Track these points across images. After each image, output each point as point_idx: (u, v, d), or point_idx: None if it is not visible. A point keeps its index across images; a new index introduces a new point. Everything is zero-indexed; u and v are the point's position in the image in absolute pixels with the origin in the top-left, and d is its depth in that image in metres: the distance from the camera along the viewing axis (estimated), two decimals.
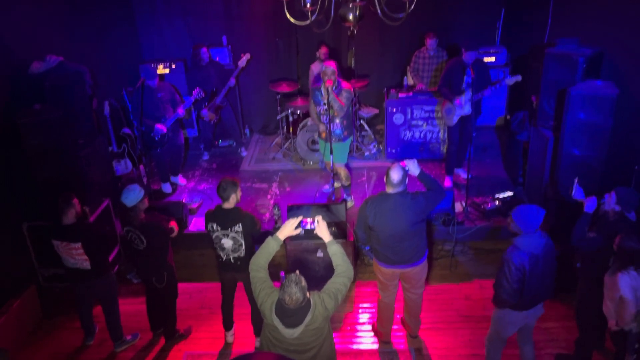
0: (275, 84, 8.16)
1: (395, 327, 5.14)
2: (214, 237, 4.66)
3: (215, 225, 4.60)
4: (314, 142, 7.73)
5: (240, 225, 4.54)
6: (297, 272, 3.42)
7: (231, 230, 4.56)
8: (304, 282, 3.34)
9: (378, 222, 4.42)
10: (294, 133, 7.92)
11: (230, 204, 4.57)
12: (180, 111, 6.89)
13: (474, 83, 6.22)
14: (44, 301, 5.74)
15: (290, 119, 7.96)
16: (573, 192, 4.51)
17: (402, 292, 4.88)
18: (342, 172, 6.63)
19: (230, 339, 5.21)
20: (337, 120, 6.27)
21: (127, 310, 5.39)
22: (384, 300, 4.89)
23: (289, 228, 3.77)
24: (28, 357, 5.23)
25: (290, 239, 4.32)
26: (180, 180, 7.64)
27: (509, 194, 6.61)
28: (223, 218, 4.57)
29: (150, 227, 4.72)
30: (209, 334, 5.34)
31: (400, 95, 7.62)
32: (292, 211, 5.55)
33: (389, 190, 4.38)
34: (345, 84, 6.18)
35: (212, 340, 5.26)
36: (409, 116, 7.64)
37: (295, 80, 8.61)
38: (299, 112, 7.98)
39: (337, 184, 7.06)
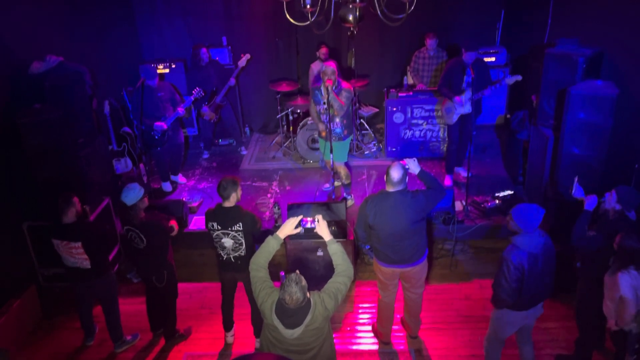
0: (275, 84, 8.16)
1: (395, 327, 5.14)
2: (214, 236, 4.66)
3: (215, 224, 4.60)
4: (314, 140, 7.73)
5: (241, 224, 4.54)
6: (297, 271, 3.42)
7: (231, 229, 4.56)
8: (304, 282, 3.33)
9: (378, 221, 4.42)
10: (294, 132, 7.92)
11: (230, 202, 4.58)
12: (181, 110, 6.89)
13: (474, 83, 6.22)
14: (44, 301, 5.74)
15: (290, 118, 7.96)
16: (573, 191, 4.52)
17: (402, 291, 4.88)
18: (342, 170, 6.64)
19: (230, 339, 5.21)
20: (337, 120, 6.28)
21: (127, 310, 5.39)
22: (384, 300, 4.89)
23: (289, 227, 3.76)
24: (28, 357, 5.24)
25: (290, 238, 4.31)
26: (180, 179, 7.64)
27: (509, 192, 6.61)
28: (223, 217, 4.57)
29: (150, 226, 4.72)
30: (209, 335, 5.34)
31: (400, 94, 7.63)
32: (292, 210, 5.56)
33: (389, 188, 4.39)
34: (345, 84, 6.19)
35: (212, 340, 5.26)
36: (409, 115, 7.64)
37: (295, 80, 8.62)
38: (299, 111, 7.98)
39: (337, 183, 7.06)
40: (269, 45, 8.74)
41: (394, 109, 7.63)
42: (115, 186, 6.61)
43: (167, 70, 8.39)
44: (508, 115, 8.31)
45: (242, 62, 7.80)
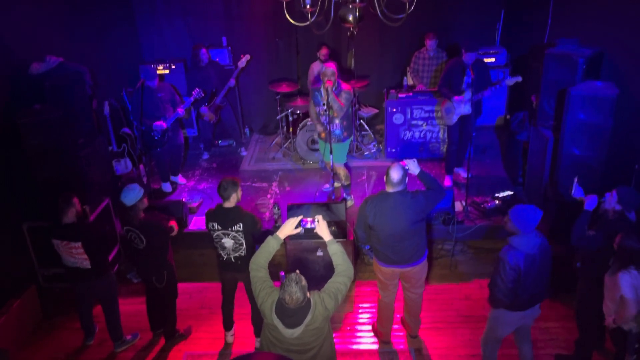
0: (275, 84, 8.16)
1: (395, 327, 5.14)
2: (214, 236, 4.66)
3: (215, 225, 4.60)
4: (313, 141, 7.74)
5: (241, 224, 4.54)
6: (297, 271, 3.42)
7: (232, 229, 4.56)
8: (304, 282, 3.33)
9: (378, 221, 4.42)
10: (294, 133, 7.93)
11: (230, 203, 4.58)
12: (180, 111, 6.90)
13: (473, 83, 6.22)
14: (44, 301, 5.73)
15: (290, 118, 7.96)
16: (573, 191, 4.52)
17: (402, 291, 4.88)
18: (342, 171, 6.64)
19: (230, 339, 5.21)
20: (337, 121, 6.28)
21: (127, 310, 5.39)
22: (384, 300, 4.89)
23: (289, 227, 3.76)
24: (28, 357, 5.23)
25: (290, 238, 4.31)
26: (180, 179, 7.64)
27: (509, 193, 6.61)
28: (223, 217, 4.57)
29: (149, 226, 4.72)
30: (209, 334, 5.34)
31: (400, 95, 7.63)
32: (292, 210, 5.56)
33: (389, 189, 4.39)
34: (345, 85, 6.19)
35: (212, 340, 5.26)
36: (409, 116, 7.64)
37: (295, 81, 8.62)
38: (298, 112, 7.99)
39: (337, 184, 7.06)
40: (269, 45, 8.74)
41: (394, 109, 7.63)
42: (115, 187, 6.61)
43: (167, 71, 8.39)
44: (508, 116, 8.31)
45: (242, 62, 7.80)
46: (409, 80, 8.24)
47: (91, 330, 5.34)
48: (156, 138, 6.84)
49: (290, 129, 8.05)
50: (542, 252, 3.95)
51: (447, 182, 7.09)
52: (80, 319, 5.26)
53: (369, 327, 5.30)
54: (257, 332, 5.02)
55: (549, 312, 5.27)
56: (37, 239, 5.65)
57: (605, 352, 4.74)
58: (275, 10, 8.30)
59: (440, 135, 7.70)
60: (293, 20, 4.57)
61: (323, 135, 6.49)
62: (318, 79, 6.96)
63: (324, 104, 6.09)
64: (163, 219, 4.88)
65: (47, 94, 5.67)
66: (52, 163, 5.56)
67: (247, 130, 9.22)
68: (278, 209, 6.43)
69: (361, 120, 8.24)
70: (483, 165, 7.63)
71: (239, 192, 4.63)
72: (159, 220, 4.82)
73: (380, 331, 5.10)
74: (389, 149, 7.92)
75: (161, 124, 6.77)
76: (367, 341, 5.16)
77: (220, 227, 4.59)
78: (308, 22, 4.43)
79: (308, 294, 3.39)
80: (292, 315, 3.34)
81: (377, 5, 4.32)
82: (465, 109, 6.49)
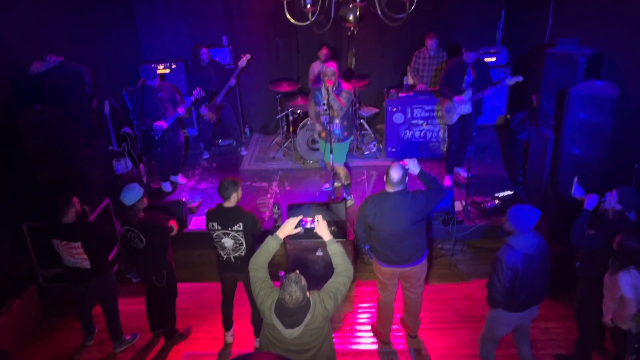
0: (275, 84, 8.17)
1: (394, 327, 5.14)
2: (214, 236, 4.66)
3: (215, 225, 4.60)
4: (313, 141, 7.74)
5: (241, 224, 4.54)
6: (297, 271, 3.42)
7: (232, 229, 4.56)
8: (303, 282, 3.33)
9: (378, 221, 4.42)
10: (294, 132, 7.92)
11: (231, 203, 4.58)
12: (181, 110, 6.90)
13: (474, 83, 6.22)
14: (44, 301, 5.73)
15: (290, 118, 7.96)
16: (573, 191, 4.52)
17: (401, 291, 4.88)
18: (342, 171, 6.64)
19: (229, 339, 5.21)
20: (337, 121, 6.28)
21: (127, 310, 5.39)
22: (384, 300, 4.89)
23: (288, 227, 3.76)
24: (28, 357, 5.23)
25: (290, 238, 4.31)
26: (180, 179, 7.64)
27: (509, 192, 6.61)
28: (224, 217, 4.57)
29: (149, 226, 4.72)
30: (209, 334, 5.34)
31: (401, 94, 7.63)
32: (292, 210, 5.56)
33: (389, 189, 4.39)
34: (345, 85, 6.19)
35: (212, 340, 5.26)
36: (409, 115, 7.64)
37: (296, 80, 8.62)
38: (299, 111, 7.98)
39: (337, 183, 7.06)
40: (269, 45, 8.75)
41: (394, 109, 7.63)
42: (115, 186, 6.61)
43: (167, 71, 8.40)
44: (508, 116, 8.31)
45: (242, 62, 7.81)
46: (409, 79, 8.24)
47: (91, 330, 5.34)
48: (156, 138, 6.85)
49: (291, 129, 8.05)
50: (539, 252, 3.95)
51: (447, 181, 7.09)
52: (80, 319, 5.27)
53: (369, 327, 5.30)
54: (257, 332, 5.03)
55: (549, 312, 5.27)
56: (37, 239, 5.65)
57: (605, 352, 4.74)
58: (275, 9, 8.29)
59: (441, 134, 7.70)
60: (293, 19, 4.57)
61: (323, 134, 6.49)
62: (318, 79, 6.95)
63: (324, 104, 6.10)
64: (163, 218, 4.88)
65: (47, 94, 5.67)
66: (52, 163, 5.56)
67: (247, 130, 9.22)
68: (278, 209, 6.44)
69: (361, 120, 8.24)
70: (483, 164, 7.63)
71: (239, 192, 4.63)
72: (159, 220, 4.83)
73: (379, 331, 5.10)
74: (389, 149, 7.92)
75: (162, 124, 6.77)
76: (366, 341, 5.16)
77: (220, 227, 4.59)
78: (308, 22, 4.43)
79: (308, 294, 3.39)
80: (291, 315, 3.33)
81: (377, 4, 4.32)
82: (465, 108, 6.49)
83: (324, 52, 7.88)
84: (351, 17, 4.70)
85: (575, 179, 4.56)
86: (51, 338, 5.45)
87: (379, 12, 4.34)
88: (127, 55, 8.34)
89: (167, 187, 7.39)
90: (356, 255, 5.99)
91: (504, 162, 7.67)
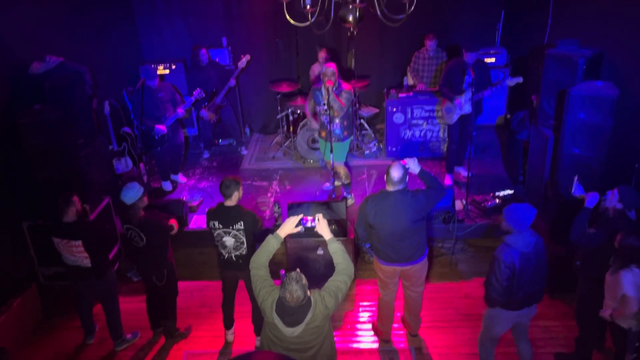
0: (275, 84, 8.17)
1: (395, 325, 5.15)
2: (215, 234, 4.66)
3: (216, 223, 4.60)
4: (314, 140, 7.74)
5: (242, 223, 4.55)
6: (298, 270, 3.42)
7: (233, 228, 4.57)
8: (304, 280, 3.34)
9: (378, 220, 4.42)
10: (294, 132, 7.93)
11: (232, 201, 4.59)
12: (180, 111, 6.91)
13: (474, 83, 6.23)
14: (45, 300, 5.74)
15: (291, 118, 7.97)
16: (573, 190, 4.53)
17: (402, 290, 4.89)
18: (342, 170, 6.64)
19: (230, 337, 5.21)
20: (337, 121, 6.29)
21: (127, 308, 5.39)
22: (384, 299, 4.90)
23: (289, 226, 3.77)
24: (28, 357, 5.24)
25: (290, 236, 4.31)
26: (181, 178, 7.65)
27: (509, 191, 6.62)
28: (225, 216, 4.58)
29: (149, 225, 4.73)
30: (209, 333, 5.34)
31: (401, 95, 7.64)
32: (292, 209, 5.57)
33: (390, 188, 4.39)
34: (345, 85, 6.20)
35: (213, 339, 5.27)
36: (409, 115, 7.65)
37: (295, 80, 8.62)
38: (299, 111, 7.99)
39: (337, 183, 7.07)
40: (269, 45, 8.75)
41: (394, 109, 7.64)
42: (116, 186, 6.60)
43: (167, 71, 8.41)
44: (508, 116, 8.32)
45: (242, 63, 7.81)
46: (409, 80, 8.25)
47: (91, 329, 5.34)
48: (156, 137, 6.85)
49: (291, 129, 8.05)
50: (537, 250, 3.96)
51: (448, 180, 7.10)
52: (80, 318, 5.27)
53: (369, 326, 5.31)
54: (258, 331, 5.03)
55: (549, 310, 5.28)
56: (37, 238, 5.65)
57: (605, 350, 4.75)
58: (275, 10, 8.30)
59: (441, 134, 7.71)
60: (293, 20, 4.58)
61: (323, 134, 6.50)
62: (319, 79, 6.97)
63: (324, 104, 6.11)
64: (163, 217, 4.89)
65: (47, 94, 5.67)
66: (52, 163, 5.56)
67: (247, 130, 9.23)
68: (278, 208, 6.44)
69: (361, 120, 8.25)
70: (483, 164, 7.64)
71: (240, 191, 4.64)
72: (159, 218, 4.83)
73: (380, 330, 5.10)
74: (389, 148, 7.93)
75: (162, 129, 6.78)
76: (367, 340, 5.17)
77: (221, 226, 4.59)
78: (308, 23, 4.44)
79: (308, 293, 3.39)
80: (292, 313, 3.34)
81: (377, 5, 4.32)
82: (465, 108, 6.50)
83: (322, 54, 7.88)
84: (351, 18, 4.70)
85: (576, 178, 4.57)
86: (51, 338, 5.45)
87: (379, 13, 4.35)
88: (127, 55, 8.34)
89: (167, 186, 7.40)
90: (357, 254, 6.00)
91: (504, 161, 7.68)
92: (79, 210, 4.76)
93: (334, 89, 6.00)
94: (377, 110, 8.38)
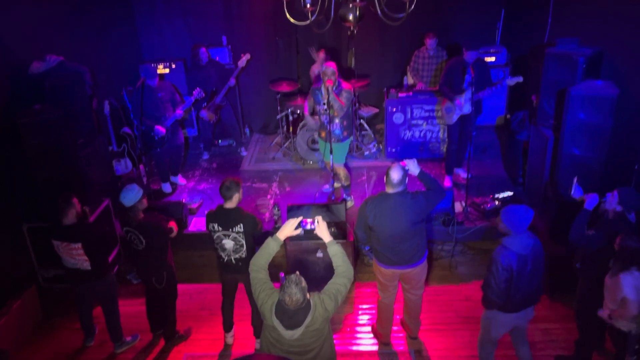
0: (275, 84, 8.16)
1: (395, 328, 5.14)
2: (215, 237, 4.65)
3: (216, 226, 4.59)
4: (313, 141, 7.73)
5: (242, 225, 4.54)
6: (297, 272, 3.41)
7: (232, 230, 4.56)
8: (304, 283, 3.33)
9: (378, 222, 4.41)
10: (294, 132, 7.92)
11: (232, 203, 4.57)
12: (179, 112, 6.89)
13: (474, 82, 6.21)
14: (44, 302, 5.73)
15: (290, 118, 7.95)
16: (572, 191, 4.52)
17: (401, 293, 4.88)
18: (342, 172, 6.63)
19: (230, 340, 5.21)
20: (337, 120, 6.27)
21: (127, 311, 5.38)
22: (384, 301, 4.89)
23: (289, 228, 3.76)
24: (28, 358, 5.23)
25: (290, 239, 4.32)
26: (180, 180, 7.64)
27: (509, 193, 6.60)
28: (224, 218, 4.57)
29: (149, 227, 4.72)
30: (209, 335, 5.33)
31: (400, 94, 7.63)
32: (292, 211, 5.55)
33: (389, 190, 4.38)
34: (345, 84, 6.19)
35: (212, 341, 5.26)
36: (409, 115, 7.64)
37: (295, 80, 8.61)
38: (298, 111, 7.97)
39: (337, 184, 7.06)
40: (269, 44, 8.74)
41: (394, 109, 7.62)
42: (115, 187, 6.61)
43: (167, 71, 8.40)
44: (508, 116, 8.31)
45: (242, 62, 7.79)
46: (409, 79, 8.24)
47: (91, 331, 5.34)
48: (156, 138, 6.84)
49: (291, 129, 8.04)
50: (534, 253, 3.96)
51: (447, 182, 7.09)
52: (80, 320, 5.27)
53: (369, 329, 5.30)
54: (257, 334, 5.02)
55: (549, 312, 5.27)
56: (37, 240, 5.65)
57: (605, 352, 4.73)
58: (275, 9, 8.29)
59: (441, 134, 7.70)
60: (293, 19, 4.57)
61: (323, 134, 6.49)
62: (319, 79, 6.96)
63: (324, 103, 6.09)
64: (162, 219, 4.88)
65: (47, 94, 5.68)
66: (52, 163, 5.57)
67: (247, 130, 9.22)
68: (278, 210, 6.43)
69: (361, 120, 8.23)
70: (483, 164, 7.63)
71: (241, 193, 4.63)
72: (158, 220, 4.82)
73: (380, 332, 5.09)
74: (389, 149, 7.91)
75: (161, 130, 6.77)
76: (367, 342, 5.16)
77: (221, 228, 4.58)
78: (308, 22, 4.43)
79: (308, 295, 3.38)
80: (292, 316, 3.33)
81: (377, 4, 4.32)
82: (465, 108, 6.48)
83: (320, 55, 7.87)
84: (351, 17, 4.70)
85: (575, 179, 4.56)
86: (51, 338, 5.45)
87: (379, 11, 4.34)
88: (127, 55, 8.34)
89: (167, 188, 7.39)
90: (356, 256, 5.99)
91: (503, 162, 7.66)
92: (78, 212, 4.76)
93: (334, 88, 5.98)
94: (377, 110, 8.37)
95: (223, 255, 4.71)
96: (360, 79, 8.18)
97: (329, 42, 8.53)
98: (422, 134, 7.76)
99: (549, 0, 7.00)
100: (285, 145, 8.38)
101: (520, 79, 6.19)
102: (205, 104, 7.69)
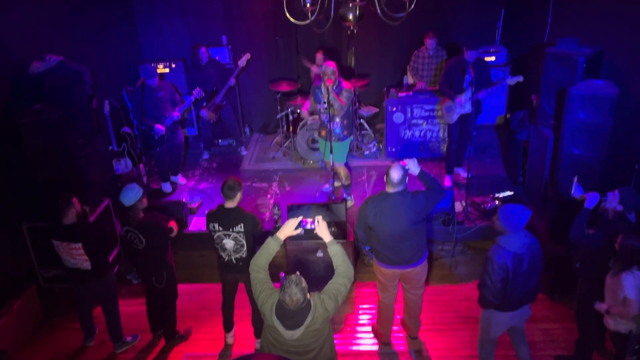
0: (275, 83, 8.16)
1: (395, 328, 5.14)
2: (215, 237, 4.65)
3: (216, 226, 4.59)
4: (314, 141, 7.73)
5: (242, 225, 4.54)
6: (298, 272, 3.41)
7: (233, 230, 4.56)
8: (304, 283, 3.33)
9: (378, 222, 4.41)
10: (294, 132, 7.92)
11: (233, 203, 4.57)
12: (176, 114, 6.88)
13: (474, 82, 6.21)
14: (44, 302, 5.74)
15: (290, 118, 7.95)
16: (572, 190, 4.52)
17: (402, 292, 4.88)
18: (342, 171, 6.63)
19: (230, 340, 5.21)
20: (337, 119, 6.27)
21: (127, 311, 5.38)
22: (384, 301, 4.89)
23: (289, 228, 3.76)
24: (28, 358, 5.23)
25: (290, 239, 4.31)
26: (180, 179, 7.63)
27: (509, 193, 6.60)
28: (225, 218, 4.57)
29: (149, 227, 4.72)
30: (209, 335, 5.34)
31: (400, 94, 7.62)
32: (292, 211, 5.55)
33: (389, 189, 4.38)
34: (345, 84, 6.18)
35: (212, 341, 5.26)
36: (409, 115, 7.64)
37: (295, 80, 8.61)
38: (298, 111, 7.97)
39: (337, 184, 7.06)
40: (269, 44, 8.74)
41: (394, 108, 7.62)
42: (115, 187, 6.60)
43: (167, 70, 8.40)
44: (508, 116, 8.30)
45: (242, 61, 7.79)
46: (409, 79, 8.24)
47: (91, 331, 5.34)
48: (156, 138, 6.84)
49: (291, 128, 8.04)
50: (531, 252, 3.96)
51: (447, 182, 7.09)
52: (80, 320, 5.27)
53: (369, 329, 5.30)
54: (257, 333, 5.02)
55: (549, 312, 5.28)
56: (37, 240, 5.65)
57: (605, 352, 4.73)
58: (275, 9, 8.28)
59: (441, 134, 7.70)
60: (293, 19, 4.56)
61: (323, 133, 6.49)
62: (319, 78, 6.95)
63: (324, 102, 6.09)
64: (162, 219, 4.88)
65: (47, 93, 5.67)
66: (52, 163, 5.57)
67: (247, 130, 9.22)
68: (278, 210, 6.43)
69: (361, 120, 8.23)
70: (483, 164, 7.62)
71: (241, 193, 4.63)
72: (158, 220, 4.82)
73: (380, 332, 5.10)
74: (389, 148, 7.91)
75: (161, 129, 6.77)
76: (367, 342, 5.16)
77: (221, 228, 4.58)
78: (308, 21, 4.43)
79: (308, 296, 3.38)
80: (292, 316, 3.33)
81: (377, 3, 4.32)
82: (465, 108, 6.48)
83: (318, 56, 7.86)
84: (351, 16, 4.70)
85: (575, 179, 4.56)
86: (51, 338, 5.45)
87: (379, 11, 4.34)
88: (127, 55, 8.34)
89: (167, 187, 7.39)
90: (356, 256, 5.99)
91: (504, 162, 7.66)
92: (78, 212, 4.76)
93: (334, 87, 5.98)
94: (377, 110, 8.37)
95: (223, 255, 4.71)
96: (360, 78, 8.18)
97: (329, 42, 8.53)
98: (422, 134, 7.76)
99: (548, 0, 7.00)
100: (285, 144, 8.37)
101: (521, 79, 6.18)
102: (205, 103, 7.69)
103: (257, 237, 4.70)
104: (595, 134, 5.35)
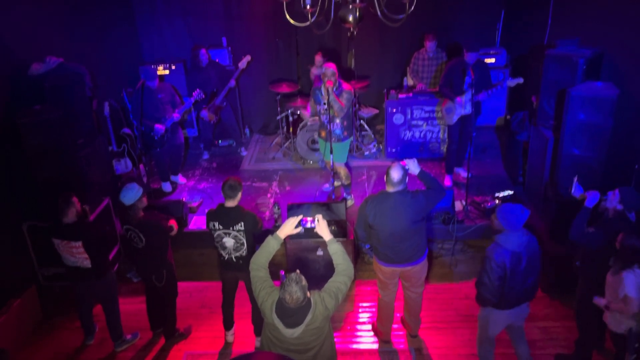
0: (275, 85, 8.17)
1: (395, 326, 5.14)
2: (215, 235, 4.66)
3: (217, 224, 4.60)
4: (313, 141, 7.74)
5: (242, 224, 4.55)
6: (298, 271, 3.42)
7: (233, 228, 4.56)
8: (304, 282, 3.33)
9: (378, 221, 4.42)
10: (294, 133, 7.93)
11: (234, 202, 4.58)
12: (176, 115, 6.89)
13: (474, 84, 6.22)
14: (44, 301, 5.73)
15: (290, 119, 7.96)
16: (572, 190, 4.53)
17: (402, 291, 4.88)
18: (342, 171, 6.64)
19: (230, 338, 5.21)
20: (337, 121, 6.28)
21: (127, 309, 5.39)
22: (384, 299, 4.89)
23: (289, 227, 3.76)
24: (28, 357, 5.23)
25: (290, 237, 4.31)
26: (180, 179, 7.64)
27: (509, 192, 6.61)
28: (225, 217, 4.58)
29: (149, 226, 4.73)
30: (209, 334, 5.34)
31: (400, 95, 7.64)
32: (292, 210, 5.56)
33: (389, 189, 4.39)
34: (346, 85, 6.19)
35: (212, 339, 5.26)
36: (409, 116, 7.65)
37: (295, 81, 8.62)
38: (298, 112, 7.98)
39: (337, 183, 7.07)
40: (269, 45, 8.75)
41: (394, 110, 7.63)
42: (115, 186, 6.61)
43: (167, 72, 8.40)
44: (508, 116, 8.32)
45: (243, 63, 7.80)
46: (409, 80, 8.24)
47: (91, 330, 5.34)
48: (156, 138, 6.85)
49: (291, 129, 8.05)
50: (529, 250, 3.96)
51: (447, 181, 7.10)
52: (80, 319, 5.27)
53: (369, 327, 5.30)
54: (258, 332, 5.03)
55: (549, 311, 5.28)
56: (37, 239, 5.64)
57: (605, 351, 4.74)
58: (275, 10, 8.30)
59: (441, 135, 7.71)
60: (293, 20, 4.58)
61: (323, 134, 6.50)
62: (319, 79, 6.97)
63: (324, 103, 6.10)
64: (162, 218, 4.88)
65: (47, 94, 5.68)
66: (52, 163, 5.57)
67: (247, 131, 9.22)
68: (278, 209, 6.44)
69: (361, 121, 8.24)
70: (483, 165, 7.64)
71: (241, 193, 4.64)
72: (158, 219, 4.83)
73: (380, 330, 5.10)
74: (389, 149, 7.92)
75: (161, 128, 6.78)
76: (367, 340, 5.16)
77: (221, 227, 4.59)
78: (308, 23, 4.43)
79: (308, 294, 3.39)
80: (292, 314, 3.34)
81: (377, 5, 4.32)
82: (465, 109, 6.49)
83: (317, 58, 7.87)
84: (351, 18, 4.69)
85: (575, 179, 4.56)
86: (51, 338, 5.45)
87: (379, 12, 4.35)
88: (127, 56, 8.35)
89: (167, 187, 7.39)
90: (356, 254, 6.00)
91: (504, 162, 7.67)
92: (78, 211, 4.76)
93: (334, 89, 5.99)
94: (377, 111, 8.38)
95: (223, 253, 4.72)
96: (360, 80, 8.20)
97: (329, 44, 8.54)
98: (422, 135, 7.77)
99: (549, 0, 7.01)
100: (285, 145, 8.38)
101: (521, 80, 6.20)
102: (204, 105, 7.70)
103: (257, 236, 4.70)
104: (595, 134, 5.36)
